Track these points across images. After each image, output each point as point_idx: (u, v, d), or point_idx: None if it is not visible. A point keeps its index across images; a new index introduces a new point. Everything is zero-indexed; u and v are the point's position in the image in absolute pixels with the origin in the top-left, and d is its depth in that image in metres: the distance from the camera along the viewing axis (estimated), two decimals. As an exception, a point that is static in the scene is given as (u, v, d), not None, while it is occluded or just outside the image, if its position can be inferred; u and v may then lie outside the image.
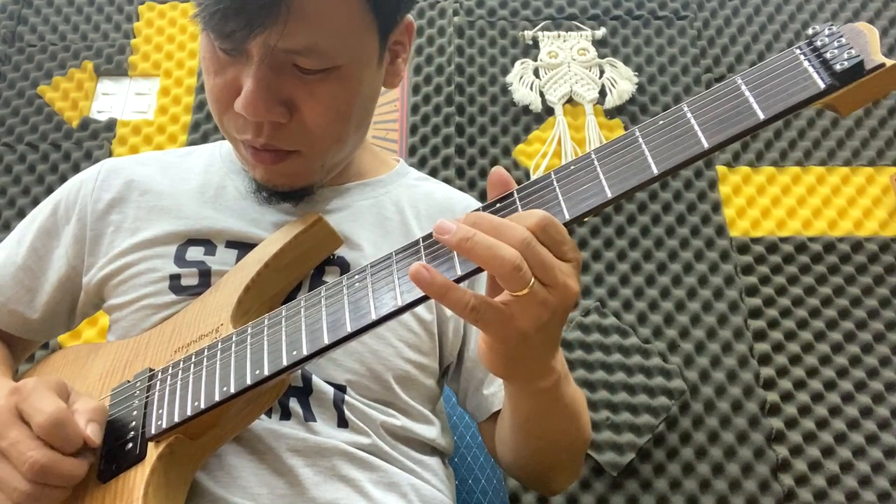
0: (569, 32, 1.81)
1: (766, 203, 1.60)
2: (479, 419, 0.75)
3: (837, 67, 0.45)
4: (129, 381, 0.61)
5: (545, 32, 1.81)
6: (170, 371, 0.59)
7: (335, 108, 0.64)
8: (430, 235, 0.51)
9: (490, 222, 0.47)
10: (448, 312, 0.72)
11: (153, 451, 0.54)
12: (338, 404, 0.65)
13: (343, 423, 0.65)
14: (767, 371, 1.42)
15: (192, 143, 1.68)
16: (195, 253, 0.69)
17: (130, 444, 0.55)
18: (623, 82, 1.73)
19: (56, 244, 0.75)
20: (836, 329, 1.47)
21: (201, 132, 1.70)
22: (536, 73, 1.76)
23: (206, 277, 0.67)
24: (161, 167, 0.77)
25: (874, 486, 1.33)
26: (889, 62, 0.45)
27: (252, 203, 0.72)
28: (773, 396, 1.39)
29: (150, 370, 0.60)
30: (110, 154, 1.68)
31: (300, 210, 0.72)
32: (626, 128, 1.68)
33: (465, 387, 0.75)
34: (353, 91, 0.65)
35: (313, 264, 0.67)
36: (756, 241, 1.56)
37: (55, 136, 1.70)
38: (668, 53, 1.78)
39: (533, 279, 0.45)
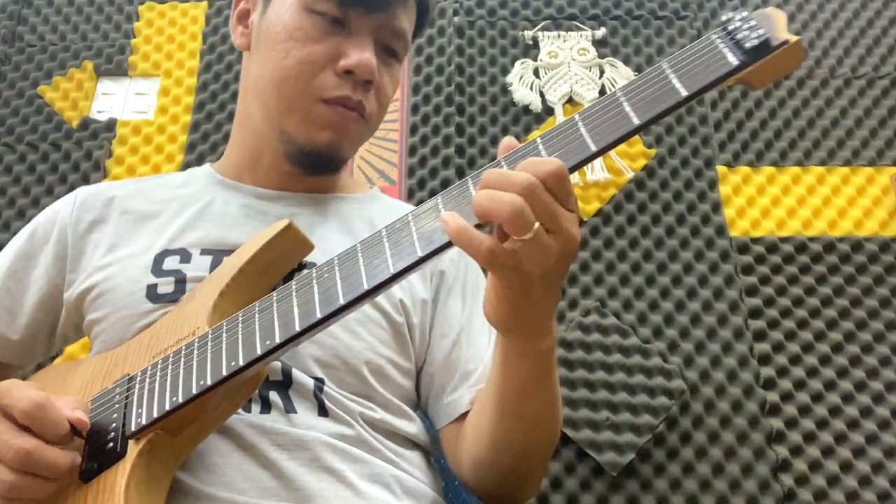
0: (569, 32, 1.81)
1: (766, 203, 1.60)
2: (440, 424, 0.76)
3: (747, 45, 0.50)
4: (108, 388, 0.62)
5: (545, 32, 1.81)
6: (148, 373, 0.60)
7: (394, 87, 0.80)
8: (392, 224, 0.55)
9: (498, 174, 0.49)
10: (415, 319, 0.75)
11: (133, 448, 0.55)
12: (317, 394, 0.67)
13: (323, 412, 0.66)
14: (767, 371, 1.42)
15: (191, 143, 1.68)
16: (171, 262, 0.72)
17: (111, 444, 0.56)
18: (623, 82, 1.73)
19: (34, 265, 0.77)
20: (836, 329, 1.47)
21: (201, 132, 1.69)
22: (536, 73, 1.76)
23: (181, 284, 0.70)
24: (138, 186, 0.82)
25: (874, 486, 1.33)
26: (793, 38, 0.50)
27: (229, 211, 0.77)
28: (773, 396, 1.39)
29: (129, 376, 0.61)
30: (110, 154, 1.68)
31: (296, 211, 0.77)
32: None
33: (427, 392, 0.77)
34: (398, 83, 0.81)
35: (286, 269, 0.69)
36: (756, 241, 1.56)
37: (55, 136, 1.70)
38: (668, 53, 1.78)
39: (537, 224, 0.48)
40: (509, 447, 0.66)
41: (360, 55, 0.72)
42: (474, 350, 0.76)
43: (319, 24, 0.73)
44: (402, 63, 0.80)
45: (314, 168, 0.78)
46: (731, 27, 0.52)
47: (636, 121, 0.51)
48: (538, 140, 0.53)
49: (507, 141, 0.54)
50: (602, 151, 0.51)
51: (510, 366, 0.61)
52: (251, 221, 0.76)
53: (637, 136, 1.66)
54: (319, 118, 0.74)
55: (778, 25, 0.51)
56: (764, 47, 0.50)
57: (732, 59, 0.50)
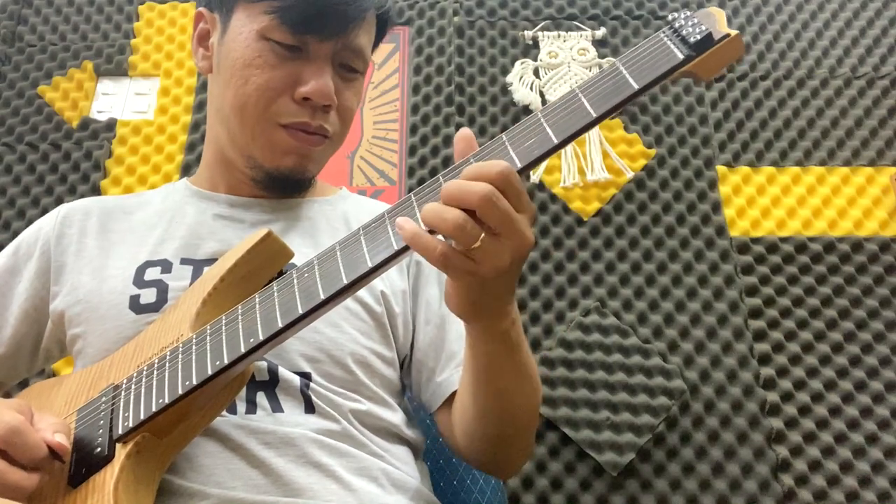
0: (569, 32, 1.81)
1: (766, 203, 1.60)
2: (433, 406, 0.78)
3: (692, 40, 0.54)
4: (93, 398, 0.62)
5: (545, 32, 1.81)
6: (133, 379, 0.61)
7: (358, 100, 0.81)
8: (367, 224, 0.57)
9: (454, 188, 0.52)
10: (396, 308, 0.78)
11: (121, 451, 0.56)
12: (304, 391, 0.68)
13: (310, 408, 0.68)
14: (767, 371, 1.42)
15: (191, 143, 1.68)
16: (153, 273, 0.73)
17: (99, 448, 0.57)
18: (623, 82, 1.73)
19: (18, 280, 0.78)
20: (836, 329, 1.47)
21: (201, 132, 1.69)
22: (536, 73, 1.76)
23: (163, 294, 0.72)
24: (118, 203, 0.84)
25: (874, 486, 1.33)
26: (733, 32, 0.55)
27: (205, 220, 0.79)
28: (773, 396, 1.39)
29: (114, 385, 0.62)
30: (110, 154, 1.68)
31: (271, 217, 0.80)
32: (625, 128, 1.68)
33: (418, 378, 0.80)
34: (361, 94, 0.82)
35: (267, 277, 0.70)
36: (756, 241, 1.56)
37: (55, 136, 1.70)
38: (668, 53, 1.77)
39: (482, 234, 0.51)
40: (492, 417, 0.70)
41: (318, 81, 0.74)
42: (455, 332, 0.79)
43: (277, 51, 0.74)
44: (366, 73, 0.82)
45: (282, 190, 0.81)
46: (676, 25, 0.56)
47: (593, 113, 0.55)
48: (503, 137, 0.56)
49: (464, 134, 0.56)
50: (563, 143, 0.55)
51: (477, 346, 0.65)
52: (227, 230, 0.78)
53: (637, 136, 1.66)
54: (281, 144, 0.76)
55: (719, 21, 0.55)
56: (707, 41, 0.54)
57: (678, 54, 0.55)
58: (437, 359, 0.78)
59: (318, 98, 0.74)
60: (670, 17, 0.57)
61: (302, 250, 0.73)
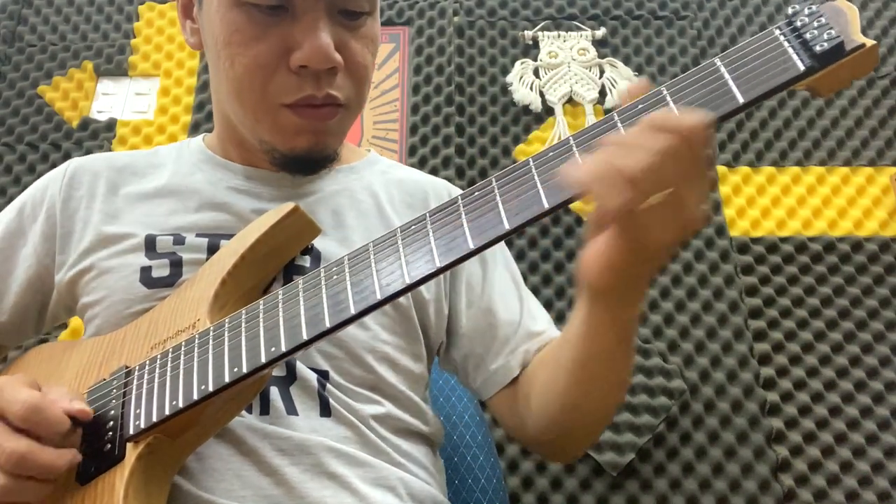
0: (569, 32, 1.81)
1: (766, 203, 1.60)
2: (488, 394, 0.73)
3: (817, 49, 0.43)
4: (105, 380, 0.60)
5: (545, 32, 1.81)
6: (146, 368, 0.58)
7: (372, 50, 0.69)
8: (407, 225, 0.51)
9: (649, 121, 0.44)
10: (427, 295, 0.72)
11: (132, 452, 0.54)
12: (321, 393, 0.64)
13: (326, 411, 0.64)
14: (767, 371, 1.42)
15: (192, 143, 1.68)
16: (165, 243, 0.68)
17: (109, 445, 0.55)
18: (623, 82, 1.73)
19: (22, 244, 0.74)
20: (836, 329, 1.47)
21: (201, 132, 1.69)
22: (536, 73, 1.76)
23: (177, 267, 0.67)
24: (129, 163, 0.77)
25: (874, 486, 1.33)
26: (869, 42, 0.43)
27: (221, 192, 0.72)
28: (773, 396, 1.39)
29: (126, 367, 0.59)
30: (110, 154, 1.68)
31: (287, 194, 0.72)
32: (626, 128, 1.67)
33: (465, 364, 0.74)
34: (377, 39, 0.71)
35: (290, 255, 0.66)
36: (756, 241, 1.56)
37: (55, 136, 1.70)
38: (668, 53, 1.78)
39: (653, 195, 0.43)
40: (582, 409, 0.64)
41: (312, 44, 0.63)
42: (505, 313, 0.73)
43: (257, 18, 0.63)
44: (377, 12, 0.69)
45: (305, 171, 0.73)
46: (798, 23, 0.44)
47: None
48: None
49: (643, 84, 0.48)
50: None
51: (596, 334, 0.58)
52: (243, 203, 0.71)
53: (637, 136, 1.66)
54: (289, 125, 0.67)
55: (852, 24, 0.44)
56: (836, 51, 0.43)
57: (799, 64, 0.43)
58: (486, 345, 0.72)
59: (315, 63, 0.63)
60: (790, 10, 0.45)
61: (326, 231, 0.68)
